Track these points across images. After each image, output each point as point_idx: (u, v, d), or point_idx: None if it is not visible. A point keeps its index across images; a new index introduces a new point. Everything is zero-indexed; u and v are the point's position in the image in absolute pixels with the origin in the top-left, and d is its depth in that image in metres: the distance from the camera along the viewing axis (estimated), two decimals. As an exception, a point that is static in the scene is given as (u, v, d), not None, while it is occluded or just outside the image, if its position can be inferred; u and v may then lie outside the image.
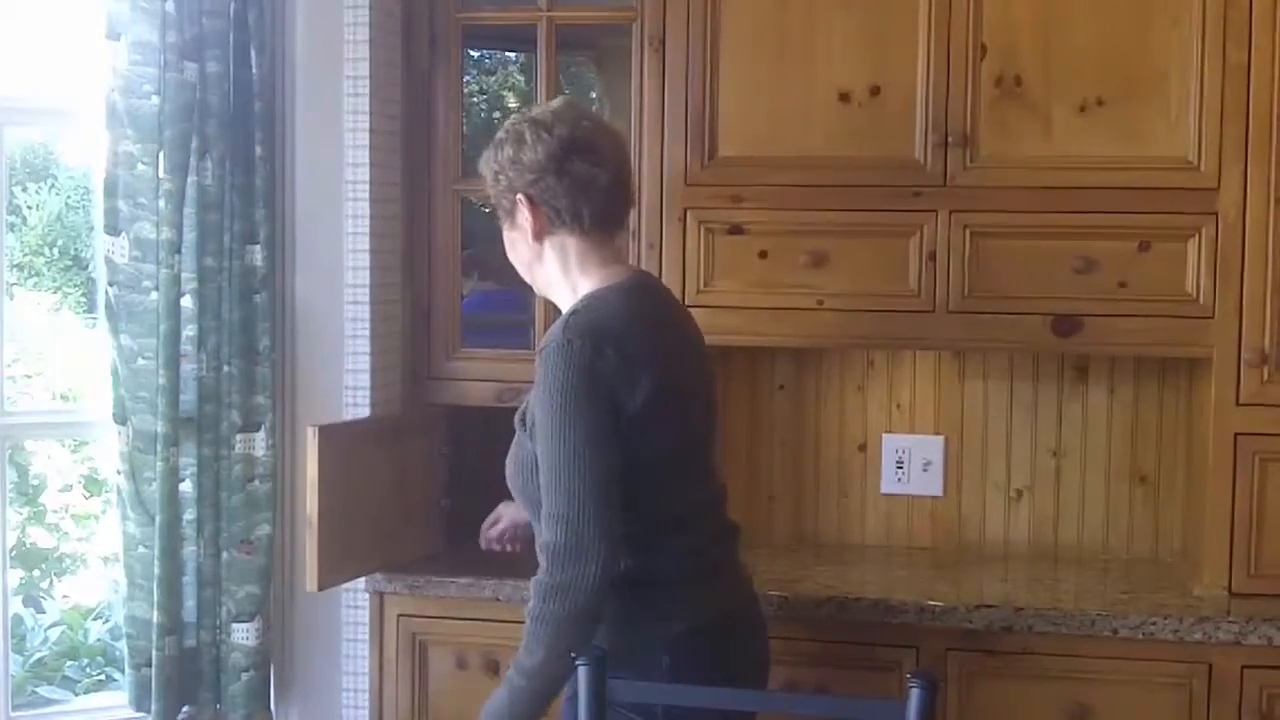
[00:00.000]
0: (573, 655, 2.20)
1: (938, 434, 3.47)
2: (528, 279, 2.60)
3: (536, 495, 2.40)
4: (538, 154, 2.44)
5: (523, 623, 3.02)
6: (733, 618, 2.52)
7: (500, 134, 2.52)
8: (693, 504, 2.52)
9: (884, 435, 3.49)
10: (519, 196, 2.47)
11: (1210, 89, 2.95)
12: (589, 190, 2.46)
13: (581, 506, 2.30)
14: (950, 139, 3.04)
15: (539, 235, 2.49)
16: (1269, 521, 2.96)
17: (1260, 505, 2.96)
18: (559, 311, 2.54)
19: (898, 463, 3.48)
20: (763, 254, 3.14)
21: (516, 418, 2.50)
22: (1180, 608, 2.88)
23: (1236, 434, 2.97)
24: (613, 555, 2.33)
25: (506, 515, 2.94)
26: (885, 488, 3.50)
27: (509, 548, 2.95)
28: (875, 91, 3.09)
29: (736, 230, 3.15)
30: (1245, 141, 2.94)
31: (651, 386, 2.38)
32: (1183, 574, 3.19)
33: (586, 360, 2.33)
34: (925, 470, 3.47)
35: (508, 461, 2.54)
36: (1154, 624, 2.81)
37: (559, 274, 2.52)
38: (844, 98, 3.10)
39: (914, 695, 1.99)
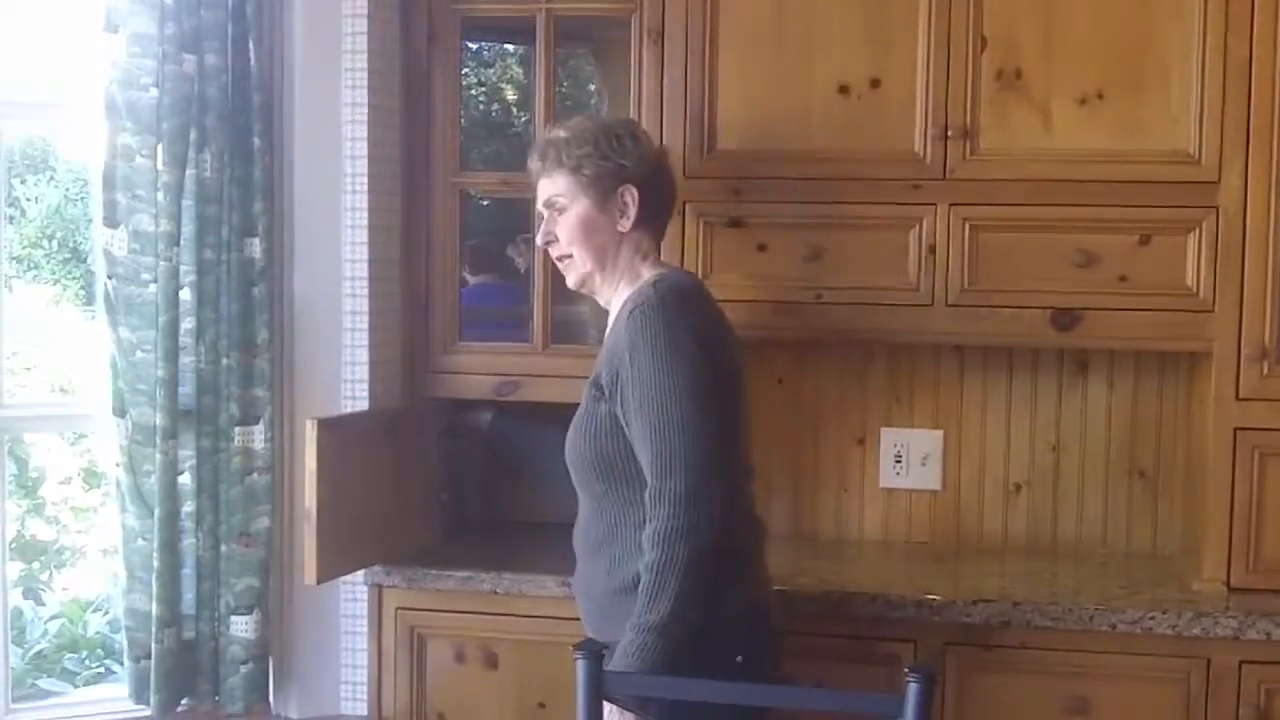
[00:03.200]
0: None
1: (936, 428, 3.47)
2: (586, 263, 2.63)
3: (611, 459, 2.50)
4: (652, 152, 2.68)
5: (521, 616, 3.05)
6: (772, 600, 2.64)
7: (600, 123, 2.69)
8: (748, 470, 2.64)
9: (882, 429, 3.49)
10: (631, 185, 2.60)
11: (1212, 82, 2.94)
12: (673, 198, 2.74)
13: (700, 449, 2.39)
14: (950, 132, 3.04)
15: (637, 225, 2.62)
16: (1268, 516, 2.96)
17: (1260, 500, 2.96)
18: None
19: (896, 457, 3.47)
20: (762, 247, 3.14)
21: (589, 384, 2.57)
22: (1179, 602, 2.88)
23: (1236, 428, 2.97)
24: (729, 495, 2.44)
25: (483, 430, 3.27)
26: (884, 481, 3.49)
27: None
28: (875, 84, 3.08)
29: (735, 223, 3.15)
30: (1247, 135, 2.93)
31: (729, 348, 2.57)
32: (1181, 569, 3.18)
33: (685, 314, 2.48)
34: (924, 464, 3.47)
35: (571, 431, 2.60)
36: (1152, 619, 2.81)
37: (627, 264, 2.64)
38: (844, 90, 3.10)
39: (912, 689, 1.98)
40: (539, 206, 2.69)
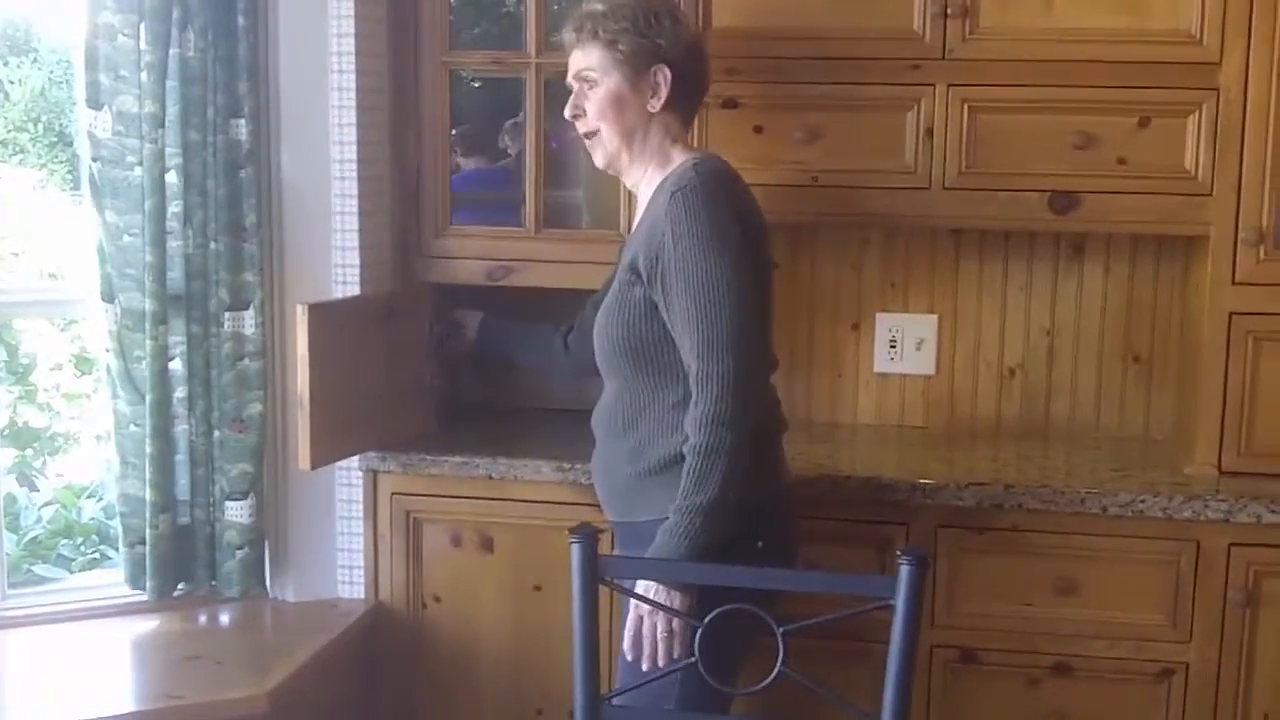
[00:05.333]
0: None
1: (931, 313, 3.46)
2: (614, 139, 2.59)
3: (645, 343, 2.49)
4: (689, 35, 2.63)
5: (516, 500, 3.05)
6: (791, 487, 2.66)
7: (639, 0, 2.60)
8: (774, 361, 2.65)
9: (878, 314, 3.48)
10: (665, 65, 2.56)
11: (1214, -39, 2.89)
12: (706, 83, 2.70)
13: (745, 333, 2.39)
14: (950, 10, 2.98)
15: (667, 106, 2.58)
16: (1261, 401, 2.96)
17: (1253, 385, 2.96)
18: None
19: (891, 342, 3.47)
20: (758, 129, 3.10)
21: (624, 267, 2.53)
22: (1170, 486, 2.89)
23: (1231, 313, 2.96)
24: (767, 378, 2.54)
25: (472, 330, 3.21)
26: (878, 366, 3.49)
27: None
28: (873, -39, 3.03)
29: (730, 104, 3.10)
30: (1249, 16, 2.88)
31: (764, 234, 2.58)
32: (1173, 453, 3.19)
33: (726, 197, 2.47)
34: (918, 349, 3.46)
35: (601, 315, 2.58)
36: (1143, 502, 2.82)
37: (656, 145, 2.60)
38: (842, -32, 3.04)
39: (904, 571, 1.99)
40: (569, 79, 2.64)
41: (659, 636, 2.36)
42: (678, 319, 2.42)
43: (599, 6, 2.60)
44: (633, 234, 2.61)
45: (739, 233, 2.43)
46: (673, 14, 2.62)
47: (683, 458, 2.40)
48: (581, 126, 2.64)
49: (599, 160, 2.66)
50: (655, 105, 2.57)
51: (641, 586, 2.35)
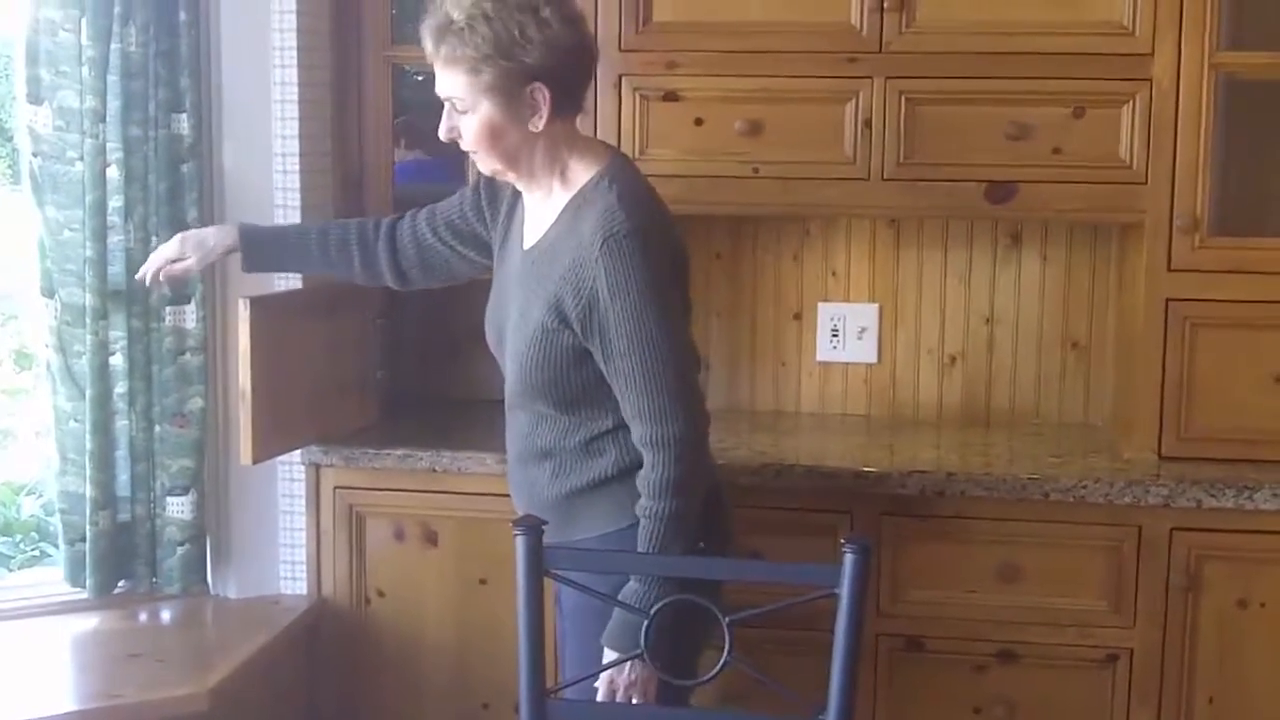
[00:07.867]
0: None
1: (873, 301, 3.48)
2: (494, 165, 2.39)
3: (571, 386, 2.36)
4: (562, 35, 2.29)
5: (460, 493, 3.04)
6: (721, 482, 2.56)
7: (492, 4, 2.26)
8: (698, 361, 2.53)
9: (819, 303, 3.50)
10: (540, 83, 2.28)
11: (1146, -49, 2.93)
12: (591, 71, 2.42)
13: (693, 392, 2.33)
14: (886, 3, 3.00)
15: (551, 120, 2.33)
16: (1199, 386, 3.01)
17: (1190, 370, 3.00)
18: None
19: (833, 330, 3.49)
20: (698, 121, 3.11)
21: (545, 308, 2.34)
22: (1111, 471, 2.93)
23: (1168, 300, 3.00)
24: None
25: (194, 261, 2.77)
26: (820, 355, 3.51)
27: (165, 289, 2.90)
28: (811, -45, 3.04)
29: (671, 97, 3.11)
30: (1180, 7, 2.92)
31: (679, 238, 2.43)
32: (1113, 438, 3.23)
33: (661, 241, 2.33)
34: (860, 338, 3.48)
35: (523, 352, 2.39)
36: (1085, 487, 2.85)
37: (548, 161, 2.39)
38: (780, -39, 3.06)
39: (848, 560, 2.00)
40: (438, 92, 2.37)
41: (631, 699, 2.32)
42: (619, 376, 2.30)
43: (456, 16, 2.27)
44: (548, 251, 2.39)
45: (669, 270, 2.33)
46: (538, 16, 2.27)
47: (612, 479, 2.37)
48: (462, 145, 2.39)
49: (484, 171, 2.45)
50: (538, 125, 2.31)
51: (607, 657, 2.29)
